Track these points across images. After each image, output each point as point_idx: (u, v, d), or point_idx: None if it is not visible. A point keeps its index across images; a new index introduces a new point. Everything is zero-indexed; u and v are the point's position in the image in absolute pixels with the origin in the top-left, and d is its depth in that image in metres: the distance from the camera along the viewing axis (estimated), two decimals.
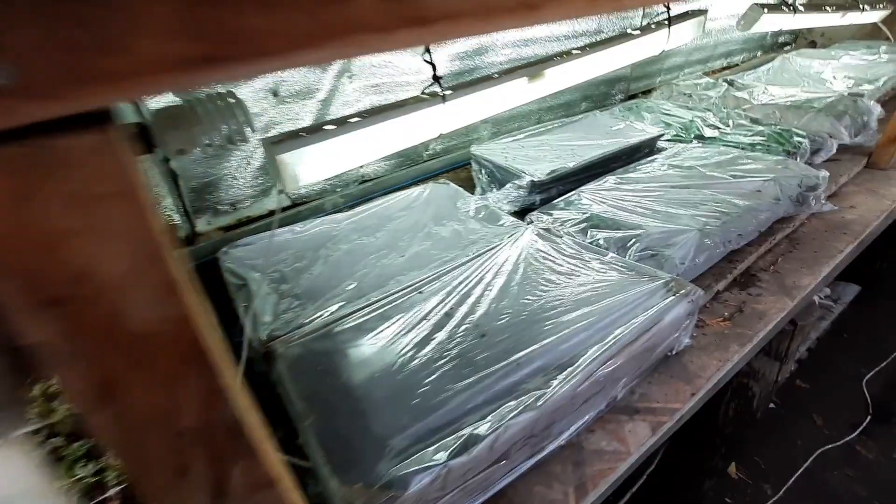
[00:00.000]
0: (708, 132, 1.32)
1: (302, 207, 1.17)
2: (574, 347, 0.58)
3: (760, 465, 1.57)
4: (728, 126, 1.37)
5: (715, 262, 0.85)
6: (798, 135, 1.23)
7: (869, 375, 1.85)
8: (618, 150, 1.15)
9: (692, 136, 1.32)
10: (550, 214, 0.97)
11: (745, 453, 1.56)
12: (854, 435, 1.68)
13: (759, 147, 1.21)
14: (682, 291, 0.65)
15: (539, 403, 0.51)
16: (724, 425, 1.02)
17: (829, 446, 1.64)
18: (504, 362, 0.56)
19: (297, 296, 0.82)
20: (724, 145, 1.25)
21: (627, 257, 0.80)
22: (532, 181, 1.03)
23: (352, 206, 1.11)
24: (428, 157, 1.40)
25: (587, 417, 0.57)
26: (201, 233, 1.09)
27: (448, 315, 0.68)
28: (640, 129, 1.29)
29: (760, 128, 1.28)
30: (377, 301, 0.76)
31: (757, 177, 0.99)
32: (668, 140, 1.33)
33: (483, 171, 1.15)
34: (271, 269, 0.88)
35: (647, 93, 1.87)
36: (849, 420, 1.73)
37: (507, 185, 1.05)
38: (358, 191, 1.23)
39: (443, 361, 0.59)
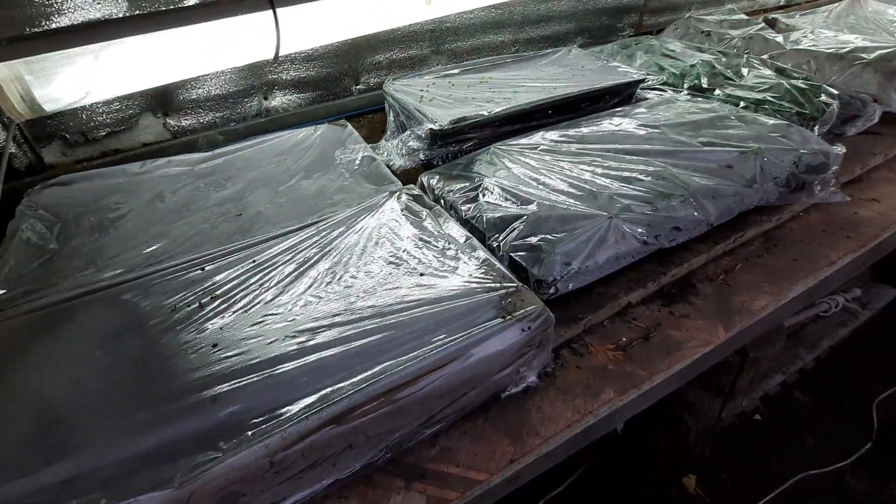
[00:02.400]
0: (709, 82, 1.01)
1: (175, 141, 0.98)
2: (320, 378, 0.39)
3: (726, 483, 1.36)
4: (742, 76, 1.04)
5: (634, 261, 0.61)
6: (828, 93, 0.91)
7: (883, 396, 1.56)
8: (566, 96, 0.88)
9: (686, 85, 1.01)
10: (446, 176, 0.74)
11: (709, 466, 1.35)
12: (847, 462, 1.43)
13: (768, 106, 0.90)
14: (518, 313, 0.43)
15: (193, 477, 0.32)
16: (655, 456, 0.81)
17: (814, 472, 1.41)
18: (194, 396, 0.38)
19: (80, 255, 0.65)
20: (720, 101, 0.94)
21: (503, 248, 0.57)
22: (431, 130, 0.79)
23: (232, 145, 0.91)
24: (358, 92, 1.16)
25: (316, 486, 0.39)
26: (53, 164, 0.93)
27: (197, 308, 0.49)
28: (621, 73, 0.99)
29: (780, 81, 0.96)
30: (147, 274, 0.58)
31: (735, 147, 0.71)
32: (657, 88, 1.02)
33: (392, 114, 0.91)
34: (73, 216, 0.71)
35: (662, 30, 1.50)
36: (845, 444, 1.48)
37: (405, 134, 0.82)
38: (245, 127, 1.02)
39: (111, 383, 0.40)
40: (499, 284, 0.47)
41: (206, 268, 0.58)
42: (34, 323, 0.53)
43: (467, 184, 0.70)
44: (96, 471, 0.34)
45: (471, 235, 0.57)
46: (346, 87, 1.14)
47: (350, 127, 0.91)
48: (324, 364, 0.40)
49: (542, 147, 0.76)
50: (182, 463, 0.33)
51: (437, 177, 0.75)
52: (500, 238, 0.59)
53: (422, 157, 0.81)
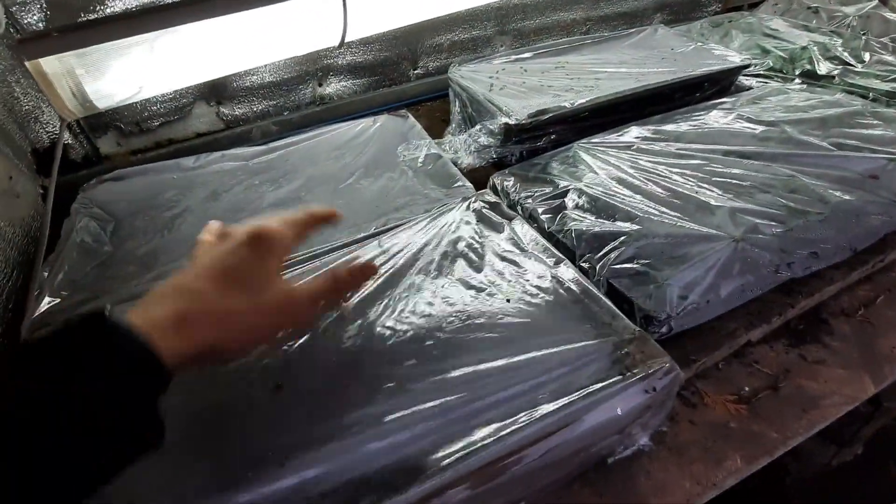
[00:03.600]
0: (825, 67, 0.86)
1: (229, 132, 0.94)
2: (402, 447, 0.33)
3: None
4: (862, 61, 0.89)
5: (758, 295, 0.51)
6: None
7: None
8: (659, 85, 0.76)
9: (797, 71, 0.87)
10: (522, 178, 0.66)
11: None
12: None
13: None
14: (640, 371, 0.35)
15: None
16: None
17: None
18: (264, 469, 0.32)
19: (135, 259, 0.61)
20: (844, 91, 0.80)
21: (600, 271, 0.49)
22: (506, 125, 0.70)
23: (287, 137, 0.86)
24: (416, 77, 1.08)
25: None
26: (108, 155, 0.90)
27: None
28: (719, 57, 0.86)
29: None
30: None
31: (880, 151, 0.58)
32: (760, 75, 0.89)
33: (458, 104, 0.83)
34: (127, 214, 0.68)
35: (756, 5, 1.33)
36: None
37: (475, 128, 0.73)
38: (300, 117, 0.96)
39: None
40: (610, 327, 0.39)
41: None
42: None
43: (548, 189, 0.62)
44: None
45: (563, 257, 0.49)
46: (403, 71, 1.06)
47: (412, 118, 0.83)
48: (405, 426, 0.34)
49: (635, 146, 0.66)
50: None
51: (512, 178, 0.66)
52: (596, 260, 0.50)
53: (494, 154, 0.72)
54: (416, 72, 1.07)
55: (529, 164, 0.69)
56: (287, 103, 0.98)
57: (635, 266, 0.48)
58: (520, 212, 0.62)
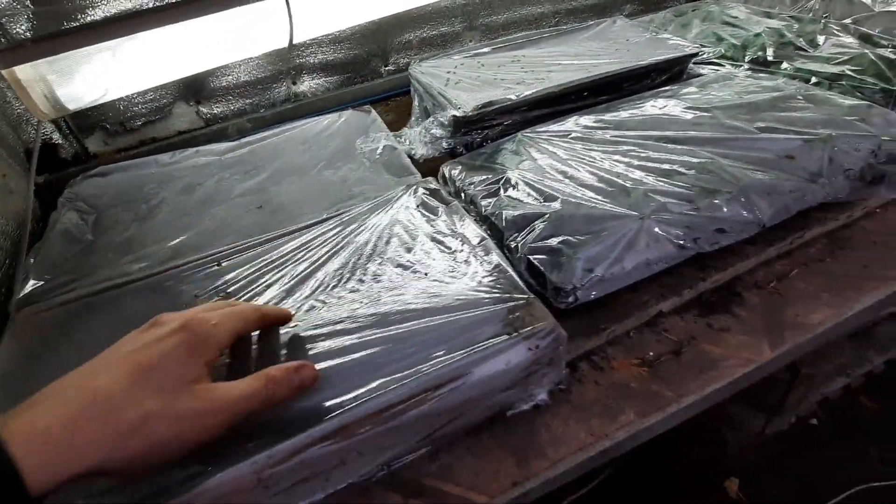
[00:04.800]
0: (776, 53, 0.89)
1: (208, 129, 0.99)
2: (310, 394, 0.38)
3: (770, 491, 1.27)
4: (817, 45, 0.91)
5: (670, 266, 0.55)
6: None
7: None
8: (604, 76, 0.80)
9: (747, 58, 0.89)
10: (469, 167, 0.70)
11: (755, 472, 1.26)
12: None
13: (845, 82, 0.78)
14: (526, 331, 0.40)
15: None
16: (691, 461, 0.76)
17: (878, 484, 1.30)
18: None
19: (113, 246, 0.67)
20: (789, 76, 0.82)
21: (521, 248, 0.53)
22: (454, 117, 0.74)
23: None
24: (387, 74, 1.12)
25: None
26: (96, 153, 0.97)
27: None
28: (671, 46, 0.89)
29: (864, 50, 0.82)
30: (170, 269, 0.59)
31: (800, 133, 0.61)
32: (713, 63, 0.91)
33: (417, 99, 0.87)
34: (108, 207, 0.74)
35: None
36: None
37: (428, 120, 0.78)
38: (274, 114, 1.01)
39: None
40: (508, 295, 0.43)
41: (223, 264, 0.58)
42: (66, 315, 0.55)
43: (489, 176, 0.66)
44: None
45: (486, 236, 0.53)
46: (374, 68, 1.11)
47: (374, 113, 0.88)
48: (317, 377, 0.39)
49: (573, 134, 0.70)
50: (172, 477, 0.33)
51: (459, 167, 0.71)
52: (519, 238, 0.54)
53: (445, 145, 0.77)
54: (387, 68, 1.12)
55: (477, 154, 0.73)
56: (262, 101, 1.03)
57: (550, 243, 0.52)
58: (463, 198, 0.67)
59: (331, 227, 0.61)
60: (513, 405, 0.43)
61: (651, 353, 0.50)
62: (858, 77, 0.77)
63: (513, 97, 0.75)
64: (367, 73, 1.10)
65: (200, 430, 0.30)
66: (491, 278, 0.46)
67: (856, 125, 0.62)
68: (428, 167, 0.74)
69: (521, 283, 0.45)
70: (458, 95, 0.79)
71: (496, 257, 0.49)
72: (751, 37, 0.93)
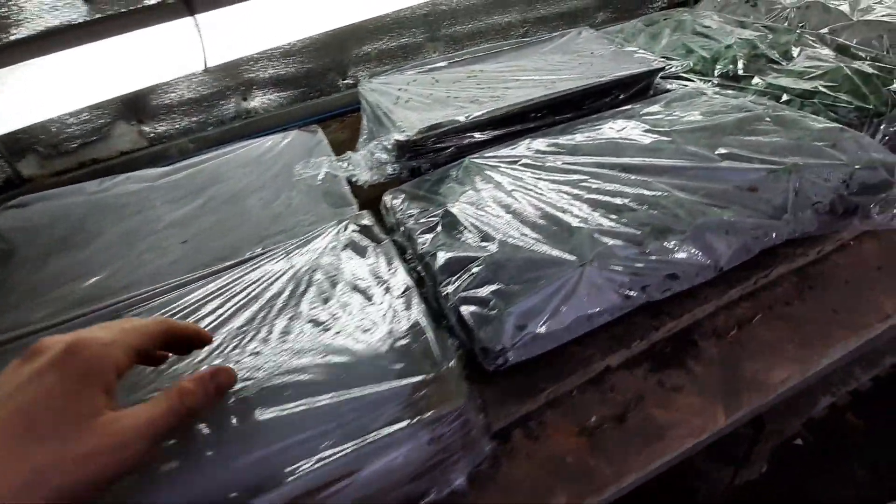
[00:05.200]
0: (746, 67, 0.83)
1: (153, 149, 0.93)
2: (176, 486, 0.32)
3: None
4: (791, 58, 0.86)
5: (619, 318, 0.50)
6: None
7: None
8: (561, 94, 0.74)
9: (717, 72, 0.84)
10: (411, 196, 0.65)
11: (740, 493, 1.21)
12: None
13: (818, 100, 0.72)
14: (428, 416, 0.34)
15: None
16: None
17: None
18: None
19: (17, 289, 0.61)
20: (759, 92, 0.77)
21: (453, 297, 0.48)
22: (398, 141, 0.69)
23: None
24: (346, 88, 1.07)
25: None
26: (31, 178, 0.91)
27: None
28: (637, 60, 0.84)
29: (839, 64, 0.77)
30: (75, 318, 0.53)
31: (765, 161, 0.56)
32: (681, 78, 0.86)
33: (366, 118, 0.81)
34: (25, 242, 0.68)
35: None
36: None
37: (372, 144, 0.72)
38: (222, 132, 0.95)
39: None
40: (416, 367, 0.38)
41: (124, 315, 0.52)
42: None
43: (430, 207, 0.61)
44: None
45: (412, 285, 0.48)
46: (331, 82, 1.05)
47: (320, 133, 0.83)
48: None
49: (523, 160, 0.64)
50: None
51: (402, 196, 0.65)
52: (452, 285, 0.49)
53: (390, 170, 0.71)
54: (344, 82, 1.06)
55: (422, 181, 0.67)
56: (210, 118, 0.97)
57: (482, 293, 0.46)
58: (402, 232, 0.61)
59: (250, 268, 0.55)
60: (426, 493, 0.38)
61: (593, 419, 0.45)
62: (832, 94, 0.72)
63: (462, 118, 0.70)
64: (324, 87, 1.04)
65: (115, 466, 0.26)
66: (404, 342, 0.41)
67: (826, 152, 0.57)
68: (377, 193, 0.68)
69: (436, 349, 0.39)
70: (405, 116, 0.73)
71: (416, 313, 0.43)
72: (722, 49, 0.87)
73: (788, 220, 0.52)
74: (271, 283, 0.51)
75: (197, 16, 0.52)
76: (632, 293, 0.47)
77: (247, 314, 0.47)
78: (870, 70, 0.75)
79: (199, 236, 0.66)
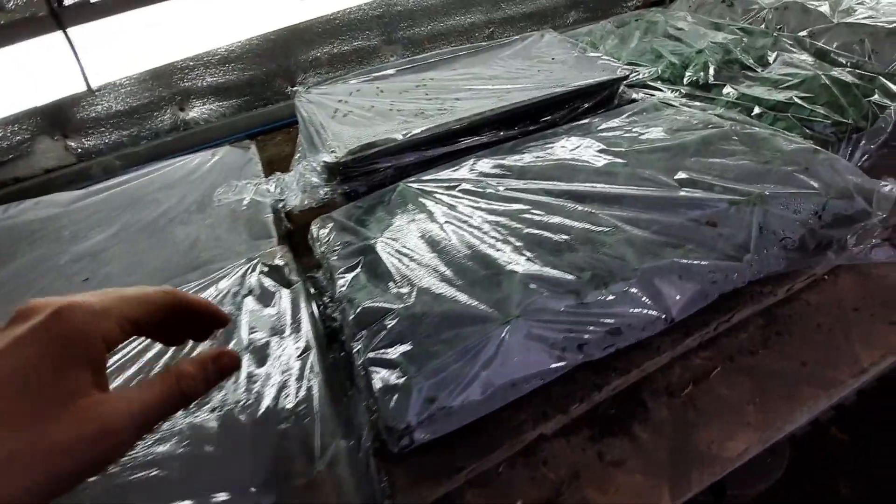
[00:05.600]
0: (717, 75, 0.76)
1: (82, 165, 0.85)
2: None
3: None
4: (766, 63, 0.79)
5: (545, 384, 0.43)
6: (885, 90, 0.66)
7: None
8: (509, 108, 0.67)
9: (686, 80, 0.77)
10: (340, 225, 0.58)
11: None
12: None
13: (794, 112, 0.66)
14: None
15: None
16: None
17: None
18: None
19: None
20: (730, 104, 0.70)
21: (362, 357, 0.41)
22: (326, 163, 0.62)
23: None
24: (296, 95, 0.99)
25: None
26: None
27: None
28: (600, 67, 0.77)
29: (817, 72, 0.71)
30: None
31: (728, 189, 0.49)
32: (647, 86, 0.79)
33: (303, 133, 0.74)
34: None
35: None
36: (892, 495, 1.26)
37: (302, 164, 0.65)
38: (156, 146, 0.88)
39: None
40: (286, 469, 0.31)
41: None
42: None
43: (355, 241, 0.54)
44: None
45: (312, 345, 0.41)
46: (279, 90, 0.97)
47: (253, 150, 0.75)
48: None
49: (462, 186, 0.57)
50: None
51: (330, 225, 0.58)
52: (362, 342, 0.42)
53: (322, 194, 0.64)
54: (294, 89, 0.98)
55: (354, 207, 0.60)
56: (143, 131, 0.90)
57: (392, 355, 0.40)
58: (326, 268, 0.54)
59: None
60: None
61: (518, 503, 0.38)
62: (808, 107, 0.65)
63: (399, 136, 0.63)
64: (271, 95, 0.97)
65: (100, 456, 0.22)
66: (284, 426, 0.34)
67: (797, 179, 0.50)
68: (310, 218, 0.61)
69: (318, 442, 0.33)
70: (338, 133, 0.66)
71: (307, 386, 0.37)
72: (693, 54, 0.81)
73: (751, 260, 0.45)
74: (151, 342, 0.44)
75: (69, 30, 0.45)
76: (567, 353, 0.40)
77: (119, 382, 0.40)
78: (849, 79, 0.68)
79: (102, 272, 0.59)
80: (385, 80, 0.80)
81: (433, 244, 0.49)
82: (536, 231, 0.48)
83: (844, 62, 0.75)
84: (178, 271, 0.57)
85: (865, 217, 0.50)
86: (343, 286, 0.49)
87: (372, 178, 0.65)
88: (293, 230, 0.68)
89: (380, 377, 0.39)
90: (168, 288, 0.29)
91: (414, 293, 0.44)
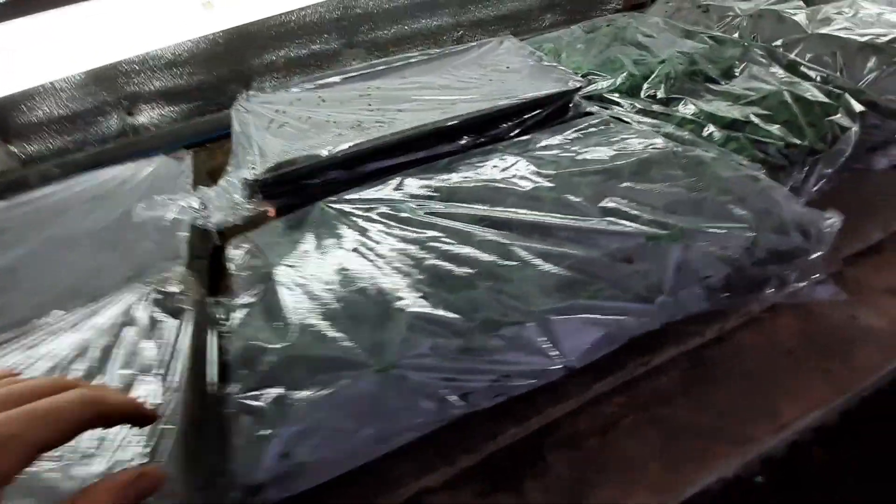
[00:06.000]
0: (679, 87, 0.72)
1: (27, 171, 0.83)
2: None
3: None
4: (732, 76, 0.74)
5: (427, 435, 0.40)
6: (849, 109, 0.61)
7: None
8: (452, 121, 0.64)
9: (644, 93, 0.73)
10: (255, 249, 0.55)
11: None
12: None
13: (748, 133, 0.61)
14: None
15: None
16: None
17: None
18: None
19: None
20: (685, 121, 0.66)
21: (229, 400, 0.38)
22: (245, 180, 0.59)
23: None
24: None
25: None
26: None
27: None
28: (555, 77, 0.73)
29: (780, 88, 0.66)
30: None
31: (652, 222, 0.46)
32: (605, 100, 0.75)
33: (234, 145, 0.71)
34: None
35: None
36: None
37: (224, 180, 0.62)
38: (101, 152, 0.85)
39: None
40: None
41: None
42: None
43: (259, 268, 0.51)
44: None
45: (179, 387, 0.38)
46: (233, 95, 0.94)
47: (188, 161, 0.73)
48: None
49: (380, 209, 0.54)
50: None
51: (246, 247, 0.55)
52: (238, 383, 0.39)
53: (245, 213, 0.61)
54: (251, 92, 0.96)
55: (271, 228, 0.57)
56: (89, 137, 0.88)
57: (261, 401, 0.37)
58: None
59: (8, 351, 0.45)
60: None
61: None
62: (764, 126, 0.61)
63: (323, 153, 0.60)
64: (225, 100, 0.94)
65: None
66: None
67: (729, 211, 0.46)
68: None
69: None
70: (266, 146, 0.63)
71: (174, 425, 0.34)
72: (655, 64, 0.76)
73: (664, 303, 0.41)
74: (33, 366, 0.42)
75: None
76: (447, 404, 0.37)
77: None
78: (813, 96, 0.63)
79: (10, 294, 0.57)
80: (329, 88, 0.77)
81: (333, 274, 0.46)
82: (441, 263, 0.45)
83: (814, 76, 0.71)
84: (81, 294, 0.54)
85: (804, 253, 0.46)
86: (238, 317, 0.46)
87: (302, 195, 0.62)
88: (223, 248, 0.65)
89: (241, 425, 0.36)
90: (91, 395, 0.24)
91: (297, 331, 0.41)
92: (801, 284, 0.47)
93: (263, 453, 0.34)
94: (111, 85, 0.84)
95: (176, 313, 0.46)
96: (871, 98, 0.66)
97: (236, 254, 0.55)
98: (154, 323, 0.45)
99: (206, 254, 0.61)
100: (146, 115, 0.90)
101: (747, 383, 0.44)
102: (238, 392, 0.38)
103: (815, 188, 0.59)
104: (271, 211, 0.63)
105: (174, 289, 0.49)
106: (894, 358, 0.45)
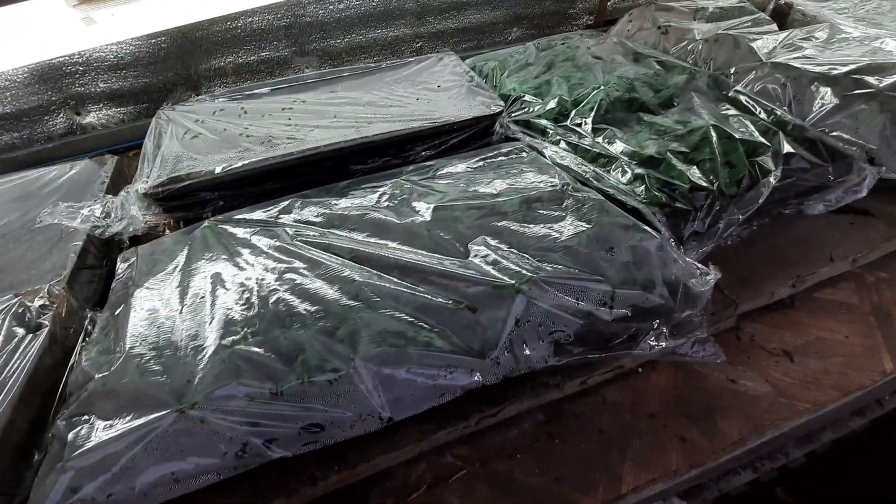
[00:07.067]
0: (606, 117, 0.69)
1: None
2: None
3: None
4: (669, 106, 0.71)
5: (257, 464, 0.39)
6: (774, 151, 0.57)
7: None
8: (358, 143, 0.62)
9: (570, 121, 0.70)
10: (135, 265, 0.55)
11: None
12: None
13: (661, 172, 0.58)
14: None
15: None
16: None
17: None
18: None
19: None
20: (599, 154, 0.63)
21: (49, 426, 0.38)
22: (136, 192, 0.58)
23: None
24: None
25: None
26: None
27: None
28: (477, 101, 0.71)
29: (710, 123, 0.62)
30: None
31: (506, 270, 0.43)
32: (530, 125, 0.72)
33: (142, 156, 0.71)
34: None
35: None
36: None
37: (123, 191, 0.62)
38: (48, 150, 0.86)
39: None
40: None
41: None
42: None
43: (127, 286, 0.50)
44: None
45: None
46: (180, 97, 0.95)
47: (108, 166, 0.73)
48: None
49: (257, 233, 0.53)
50: None
51: (132, 260, 0.55)
52: (66, 409, 0.39)
53: (143, 224, 0.61)
54: (199, 98, 0.96)
55: (158, 243, 0.57)
56: (35, 134, 0.89)
57: (71, 431, 0.36)
58: None
59: None
60: None
61: None
62: (679, 166, 0.57)
63: (217, 170, 0.59)
64: (174, 103, 0.94)
65: None
66: None
67: (593, 260, 0.44)
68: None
69: None
70: (168, 159, 0.63)
71: None
72: (588, 91, 0.73)
73: (497, 358, 0.39)
74: None
75: None
76: (249, 450, 0.36)
77: None
78: (742, 134, 0.60)
79: None
80: (254, 99, 0.76)
81: (181, 302, 0.45)
82: (287, 297, 0.44)
83: (756, 110, 0.67)
84: None
85: (668, 312, 0.43)
86: (93, 337, 0.46)
87: (201, 210, 0.62)
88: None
89: (51, 453, 0.36)
90: None
91: (122, 360, 0.40)
92: (680, 341, 0.45)
93: (53, 486, 0.33)
94: (56, 84, 0.85)
95: (35, 328, 0.46)
96: (813, 136, 0.62)
97: (121, 267, 0.55)
98: (9, 336, 0.45)
99: (102, 264, 0.62)
100: (94, 116, 0.91)
101: (597, 445, 0.42)
102: (64, 417, 0.38)
103: (726, 234, 0.56)
104: (168, 224, 0.63)
105: (38, 303, 0.49)
106: (764, 432, 0.42)
